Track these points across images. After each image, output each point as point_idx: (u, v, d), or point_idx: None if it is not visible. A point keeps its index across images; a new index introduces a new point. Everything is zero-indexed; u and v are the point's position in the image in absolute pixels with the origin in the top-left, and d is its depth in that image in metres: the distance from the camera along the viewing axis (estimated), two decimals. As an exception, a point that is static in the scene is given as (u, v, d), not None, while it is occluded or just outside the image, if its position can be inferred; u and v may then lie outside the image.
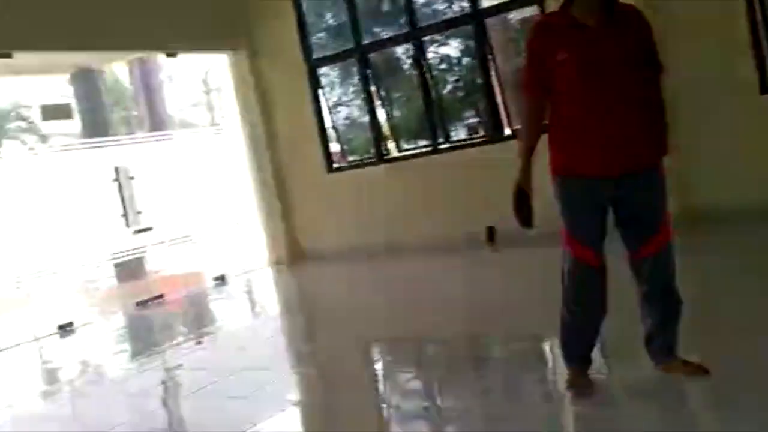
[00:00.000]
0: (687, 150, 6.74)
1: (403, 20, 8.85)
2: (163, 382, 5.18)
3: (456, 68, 10.28)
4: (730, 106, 6.58)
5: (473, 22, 8.11)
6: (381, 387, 4.38)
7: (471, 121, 10.71)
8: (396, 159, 9.01)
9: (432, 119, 8.62)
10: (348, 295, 7.09)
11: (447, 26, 8.91)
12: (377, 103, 9.11)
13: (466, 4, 8.31)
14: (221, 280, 9.20)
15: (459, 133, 9.69)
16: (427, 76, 8.57)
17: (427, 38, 8.71)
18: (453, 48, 10.12)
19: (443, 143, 8.56)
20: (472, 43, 8.61)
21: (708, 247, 6.14)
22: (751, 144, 6.52)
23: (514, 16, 9.45)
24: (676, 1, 6.68)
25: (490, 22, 8.18)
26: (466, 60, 10.13)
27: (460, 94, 10.50)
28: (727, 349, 3.49)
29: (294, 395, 4.42)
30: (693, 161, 6.75)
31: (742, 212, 6.41)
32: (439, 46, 9.62)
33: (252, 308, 8.02)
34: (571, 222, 3.09)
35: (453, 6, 9.79)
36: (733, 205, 6.53)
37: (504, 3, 8.23)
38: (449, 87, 9.95)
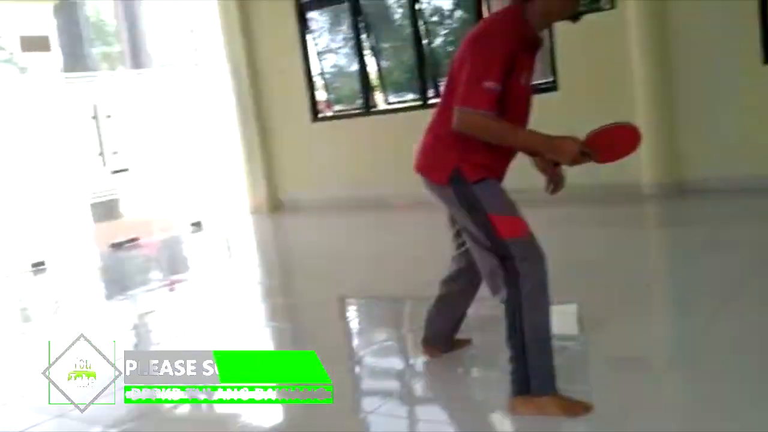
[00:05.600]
0: (685, 120, 6.65)
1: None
2: (134, 328, 5.05)
3: (447, 21, 10.04)
4: (731, 75, 6.44)
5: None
6: (354, 345, 4.27)
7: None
8: (383, 111, 8.79)
9: (422, 72, 8.39)
10: (326, 248, 6.95)
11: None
12: (366, 52, 8.86)
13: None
14: (198, 225, 9.02)
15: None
16: (421, 27, 8.31)
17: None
18: (445, 1, 9.86)
19: (433, 98, 8.34)
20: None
21: (691, 218, 6.10)
22: (751, 115, 6.40)
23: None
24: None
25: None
26: (458, 13, 9.88)
27: (450, 48, 10.28)
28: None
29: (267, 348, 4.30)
30: (691, 131, 6.65)
31: (740, 185, 6.34)
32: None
33: (228, 256, 7.86)
34: (510, 204, 2.77)
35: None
36: (729, 177, 6.45)
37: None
38: (439, 40, 9.70)
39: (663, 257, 5.41)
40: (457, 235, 3.13)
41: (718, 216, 5.98)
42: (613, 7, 6.80)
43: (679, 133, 6.70)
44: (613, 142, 2.66)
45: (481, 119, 2.59)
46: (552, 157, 2.67)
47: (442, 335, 3.40)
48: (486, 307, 3.35)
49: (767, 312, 3.63)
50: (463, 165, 2.73)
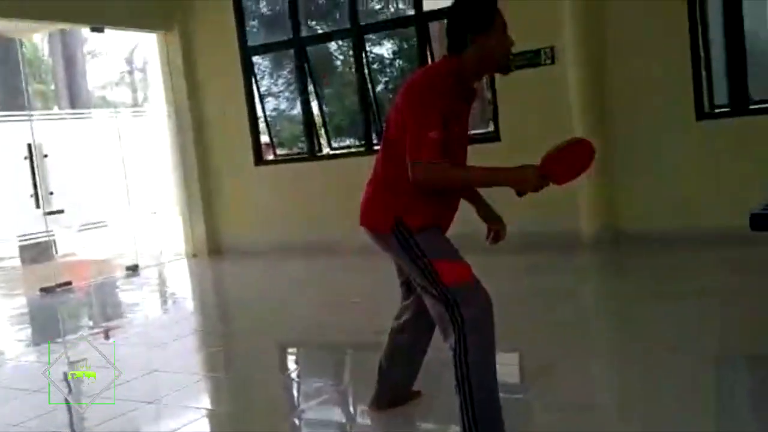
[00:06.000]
0: (622, 172, 6.83)
1: (338, 16, 8.69)
2: (64, 379, 4.82)
3: (388, 69, 10.19)
4: (666, 130, 6.65)
5: (416, 24, 7.97)
6: (295, 397, 4.16)
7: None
8: (328, 156, 8.78)
9: (368, 118, 8.43)
10: (266, 294, 6.83)
11: (390, 26, 8.73)
12: (311, 97, 8.87)
13: (403, 6, 8.22)
14: (134, 270, 8.77)
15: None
16: (366, 73, 8.38)
17: (369, 36, 8.53)
18: (387, 49, 10.03)
19: (376, 144, 8.37)
20: (406, 45, 8.51)
21: (628, 267, 6.23)
22: (684, 169, 6.61)
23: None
24: (620, 21, 6.73)
25: (432, 25, 8.07)
26: (399, 62, 10.05)
27: (390, 96, 10.42)
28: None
29: (203, 402, 4.15)
30: (628, 183, 6.83)
31: (674, 235, 6.51)
32: (372, 45, 9.49)
33: (165, 302, 7.64)
34: (453, 250, 2.77)
35: (390, 7, 9.71)
36: (664, 228, 6.62)
37: (447, 7, 8.12)
38: (380, 87, 9.84)
39: (602, 305, 5.47)
40: (405, 283, 3.10)
41: (654, 265, 6.11)
42: (553, 62, 6.99)
43: (617, 183, 6.87)
44: (567, 161, 2.66)
45: (436, 168, 2.60)
46: (514, 187, 2.65)
47: (396, 388, 3.33)
48: (440, 353, 3.30)
49: (705, 358, 3.68)
50: (405, 214, 2.75)
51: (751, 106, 6.63)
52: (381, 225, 2.81)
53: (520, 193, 2.68)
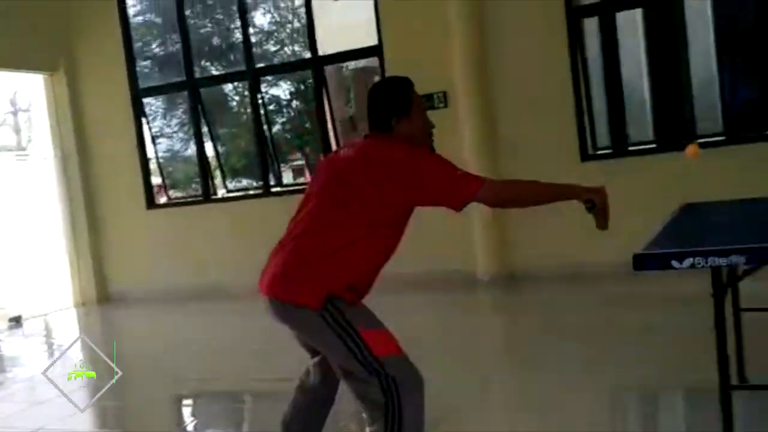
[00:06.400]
0: (512, 212, 7.04)
1: (233, 57, 8.68)
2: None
3: (285, 110, 10.22)
4: (554, 171, 6.91)
5: (313, 68, 8.04)
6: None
7: (297, 163, 10.64)
8: (223, 199, 8.65)
9: (264, 160, 8.39)
10: (159, 342, 6.60)
11: (286, 69, 8.78)
12: (206, 138, 8.75)
13: (299, 49, 8.30)
14: (17, 321, 8.29)
15: (286, 176, 9.57)
16: (262, 114, 8.36)
17: (263, 78, 8.54)
18: (283, 90, 10.06)
19: (275, 185, 8.35)
20: (302, 87, 8.58)
21: (524, 304, 6.40)
22: (570, 210, 6.86)
23: (349, 65, 9.56)
24: (504, 72, 7.04)
25: (328, 68, 8.18)
26: (295, 103, 10.09)
27: (287, 136, 10.43)
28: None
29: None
30: (520, 222, 7.05)
31: (563, 275, 6.76)
32: (269, 87, 9.51)
33: (51, 354, 7.24)
34: (379, 321, 2.68)
35: (285, 49, 9.77)
36: (554, 268, 6.87)
37: (343, 52, 8.25)
38: (277, 128, 9.84)
39: (496, 343, 5.59)
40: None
41: (545, 303, 6.32)
42: (446, 105, 7.21)
43: (511, 223, 7.07)
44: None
45: (494, 185, 2.67)
46: (591, 197, 2.69)
47: None
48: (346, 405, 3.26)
49: (601, 392, 3.81)
50: (339, 288, 2.58)
51: (630, 148, 7.02)
52: (305, 299, 2.56)
53: (592, 206, 2.68)
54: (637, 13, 9.53)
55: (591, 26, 8.18)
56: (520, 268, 7.11)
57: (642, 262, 2.35)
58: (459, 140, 7.13)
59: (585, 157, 6.91)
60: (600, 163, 6.92)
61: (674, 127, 9.10)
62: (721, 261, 2.27)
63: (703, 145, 7.01)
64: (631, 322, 5.25)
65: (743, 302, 3.48)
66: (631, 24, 9.66)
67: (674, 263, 2.28)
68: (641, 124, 9.41)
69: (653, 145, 7.97)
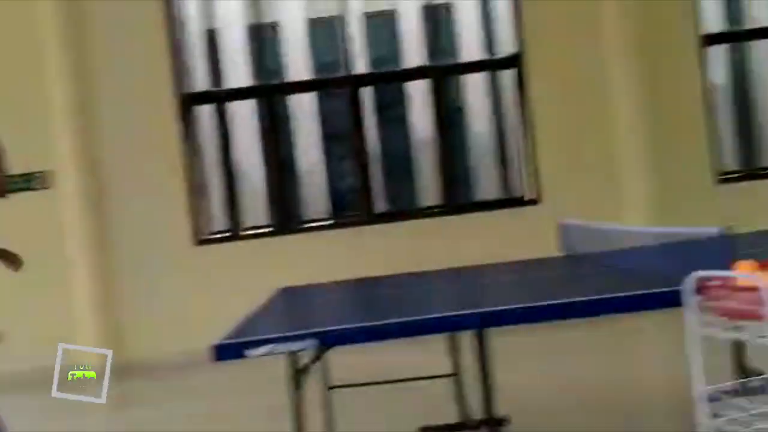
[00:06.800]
0: (125, 299, 6.75)
1: None
2: None
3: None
4: (166, 257, 6.80)
5: None
6: None
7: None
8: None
9: None
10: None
11: None
12: None
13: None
14: None
15: None
16: None
17: None
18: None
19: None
20: None
21: (139, 397, 6.09)
22: (184, 292, 6.78)
23: None
24: (118, 160, 6.87)
25: None
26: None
27: None
28: None
29: None
30: (132, 310, 6.75)
31: (183, 360, 6.56)
32: None
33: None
34: None
35: None
36: (173, 353, 6.65)
37: None
38: None
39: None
40: None
41: (164, 389, 6.07)
42: (46, 186, 6.74)
43: (122, 312, 6.73)
44: None
45: None
46: None
47: None
48: None
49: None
50: None
51: (244, 232, 7.20)
52: None
53: None
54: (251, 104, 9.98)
55: (205, 113, 8.33)
56: (136, 356, 6.73)
57: (219, 352, 2.36)
58: (58, 227, 6.69)
59: (199, 241, 6.91)
60: (213, 247, 6.97)
61: (286, 211, 9.58)
62: (296, 346, 2.36)
63: (311, 229, 7.56)
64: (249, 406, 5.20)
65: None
66: (247, 112, 10.08)
67: (249, 352, 2.31)
68: (257, 208, 9.74)
69: (270, 228, 8.27)
